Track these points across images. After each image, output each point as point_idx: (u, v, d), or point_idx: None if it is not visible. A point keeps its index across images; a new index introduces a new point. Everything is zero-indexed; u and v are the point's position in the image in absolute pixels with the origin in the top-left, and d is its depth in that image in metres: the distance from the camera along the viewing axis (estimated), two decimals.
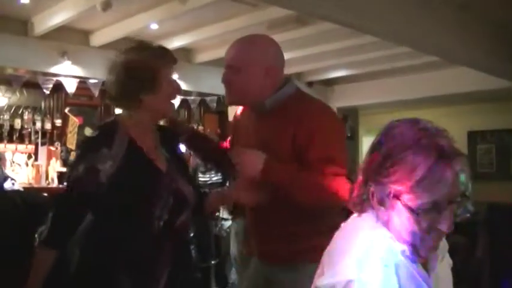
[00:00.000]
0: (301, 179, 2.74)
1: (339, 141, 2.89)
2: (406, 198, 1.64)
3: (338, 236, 1.81)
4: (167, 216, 2.70)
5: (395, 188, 1.66)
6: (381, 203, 1.71)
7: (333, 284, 1.63)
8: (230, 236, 6.91)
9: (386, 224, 1.71)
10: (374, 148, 1.75)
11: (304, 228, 2.84)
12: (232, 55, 2.97)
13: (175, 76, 2.86)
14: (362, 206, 1.77)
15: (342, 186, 2.65)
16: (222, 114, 11.33)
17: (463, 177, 1.68)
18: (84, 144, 2.90)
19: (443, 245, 1.86)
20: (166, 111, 2.86)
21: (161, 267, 2.73)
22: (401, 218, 1.67)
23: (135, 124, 2.76)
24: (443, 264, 1.87)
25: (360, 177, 1.78)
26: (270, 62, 2.91)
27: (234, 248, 6.28)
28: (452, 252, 1.96)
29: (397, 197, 1.66)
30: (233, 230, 6.38)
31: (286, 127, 2.81)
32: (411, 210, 1.64)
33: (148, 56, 2.75)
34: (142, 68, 2.70)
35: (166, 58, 2.79)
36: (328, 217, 2.72)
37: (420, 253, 1.71)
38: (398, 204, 1.66)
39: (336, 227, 1.87)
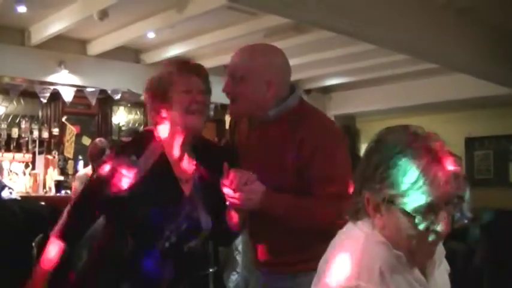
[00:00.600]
0: (299, 209, 2.70)
1: (341, 159, 2.78)
2: (401, 202, 1.64)
3: (334, 243, 1.81)
4: (175, 239, 2.68)
5: (389, 192, 1.66)
6: (377, 209, 1.71)
7: None
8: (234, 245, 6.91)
9: (382, 230, 1.71)
10: (367, 156, 1.75)
11: (304, 239, 2.78)
12: (235, 64, 2.90)
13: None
14: (358, 214, 1.76)
15: (340, 211, 2.53)
16: (220, 122, 11.30)
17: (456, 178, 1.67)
18: (116, 148, 2.92)
19: (441, 250, 1.85)
20: (184, 124, 2.74)
21: (161, 282, 2.73)
22: (397, 223, 1.67)
23: (167, 139, 2.76)
24: (441, 270, 1.87)
25: (354, 186, 1.78)
26: (273, 75, 2.82)
27: (244, 258, 6.27)
28: (450, 259, 1.95)
29: (392, 202, 1.66)
30: (242, 240, 6.36)
31: (289, 141, 2.75)
32: (407, 213, 1.64)
33: (165, 70, 2.79)
34: (155, 82, 2.75)
35: (182, 70, 2.77)
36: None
37: (417, 258, 1.71)
38: (394, 209, 1.66)
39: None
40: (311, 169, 2.70)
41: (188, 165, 2.79)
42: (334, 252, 1.77)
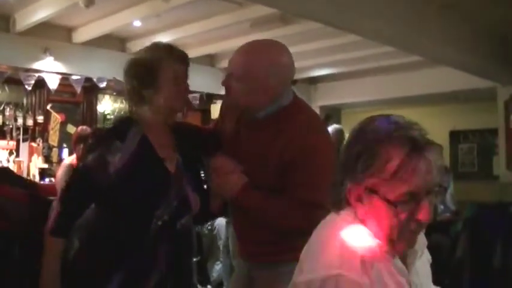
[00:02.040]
0: (269, 211, 2.74)
1: (323, 165, 2.70)
2: (383, 191, 1.65)
3: (316, 233, 1.82)
4: (167, 217, 2.72)
5: (371, 182, 1.67)
6: (359, 199, 1.72)
7: (311, 280, 1.63)
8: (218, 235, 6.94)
9: (364, 220, 1.72)
10: (348, 146, 1.76)
11: (286, 231, 2.80)
12: (235, 62, 2.84)
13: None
14: (340, 204, 1.77)
15: (310, 221, 2.21)
16: (205, 111, 11.31)
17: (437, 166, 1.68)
18: (97, 136, 2.92)
19: (422, 241, 1.86)
20: (169, 108, 2.82)
21: (154, 267, 2.73)
22: (379, 212, 1.68)
23: (147, 122, 2.78)
24: (423, 261, 1.88)
25: (336, 176, 1.78)
26: (269, 80, 2.75)
27: (233, 247, 6.30)
28: (434, 252, 1.96)
29: (374, 191, 1.67)
30: (230, 231, 6.39)
31: (275, 142, 2.75)
32: (389, 202, 1.65)
33: (151, 53, 2.81)
34: (140, 65, 2.77)
35: (170, 56, 2.79)
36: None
37: (397, 248, 1.71)
38: (376, 199, 1.67)
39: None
40: (291, 171, 2.70)
41: (170, 145, 2.83)
42: (316, 241, 1.77)
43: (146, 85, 2.74)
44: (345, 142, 1.82)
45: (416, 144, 1.65)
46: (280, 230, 2.77)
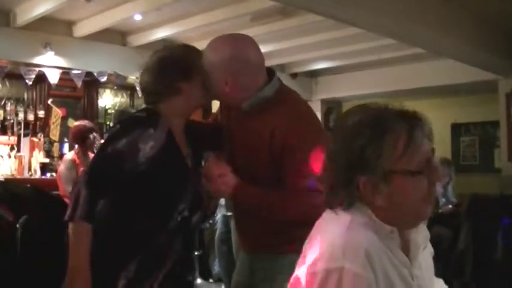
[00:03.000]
0: (270, 203, 2.76)
1: (317, 151, 2.61)
2: (402, 166, 1.68)
3: (319, 225, 1.81)
4: (187, 213, 2.75)
5: (387, 165, 1.68)
6: (375, 190, 1.70)
7: (313, 273, 1.63)
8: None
9: (387, 209, 1.71)
10: (345, 142, 1.74)
11: (286, 223, 2.81)
12: (204, 58, 2.86)
13: None
14: (352, 205, 1.75)
15: (309, 207, 2.40)
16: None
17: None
18: (129, 120, 2.86)
19: (425, 235, 1.87)
20: (204, 99, 2.86)
21: (165, 260, 2.76)
22: (405, 188, 1.71)
23: (172, 117, 2.78)
24: (425, 254, 1.88)
25: (338, 178, 1.76)
26: (232, 70, 2.76)
27: (234, 240, 6.31)
28: (436, 244, 1.96)
29: (393, 171, 1.68)
30: (233, 224, 6.40)
31: (263, 133, 2.76)
32: (412, 173, 1.69)
33: (181, 49, 2.91)
34: (179, 58, 2.80)
35: (199, 53, 2.83)
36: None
37: (426, 215, 1.77)
38: (397, 178, 1.69)
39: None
40: (283, 161, 2.71)
41: (185, 142, 2.85)
42: (319, 233, 1.77)
43: (185, 77, 2.75)
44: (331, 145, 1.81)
45: (408, 116, 1.73)
46: (281, 221, 2.78)
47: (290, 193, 2.70)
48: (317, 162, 2.47)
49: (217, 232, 7.28)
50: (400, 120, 1.71)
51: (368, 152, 1.68)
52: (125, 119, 2.90)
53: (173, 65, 2.77)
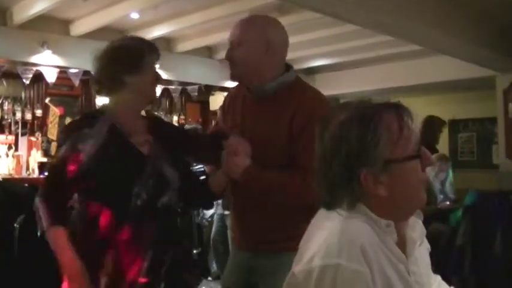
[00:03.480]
0: (278, 187, 2.81)
1: None
2: (399, 153, 1.71)
3: (315, 222, 1.81)
4: (146, 196, 2.77)
5: (385, 154, 1.69)
6: (377, 181, 1.71)
7: (309, 270, 1.63)
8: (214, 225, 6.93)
9: (389, 199, 1.72)
10: (340, 140, 1.74)
11: (287, 218, 2.86)
12: (233, 32, 3.01)
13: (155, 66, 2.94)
14: (356, 202, 1.74)
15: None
16: (204, 103, 11.33)
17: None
18: (67, 127, 3.00)
19: (421, 230, 1.88)
20: (150, 94, 2.96)
21: (143, 248, 2.78)
22: (405, 174, 1.73)
23: (120, 109, 2.85)
24: (422, 250, 1.89)
25: (340, 177, 1.75)
26: (271, 36, 2.92)
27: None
28: (433, 240, 1.97)
29: (392, 159, 1.70)
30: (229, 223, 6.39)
31: (285, 113, 2.84)
32: (410, 158, 1.73)
33: (133, 41, 2.93)
34: (126, 50, 2.85)
35: (151, 46, 2.90)
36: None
37: (422, 202, 1.81)
38: (396, 165, 1.71)
39: None
40: (299, 140, 2.77)
41: (143, 131, 2.92)
42: (315, 231, 1.77)
43: (130, 70, 2.80)
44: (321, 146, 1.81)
45: (393, 105, 1.77)
46: (303, 204, 2.73)
47: (301, 174, 2.72)
48: None
49: (213, 231, 7.27)
50: (388, 109, 1.74)
51: (365, 143, 1.69)
52: (65, 126, 3.03)
53: (120, 57, 2.82)
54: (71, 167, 2.71)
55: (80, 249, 2.72)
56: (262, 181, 2.84)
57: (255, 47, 2.88)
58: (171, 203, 2.92)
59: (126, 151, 2.82)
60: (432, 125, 8.53)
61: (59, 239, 2.72)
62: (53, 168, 2.92)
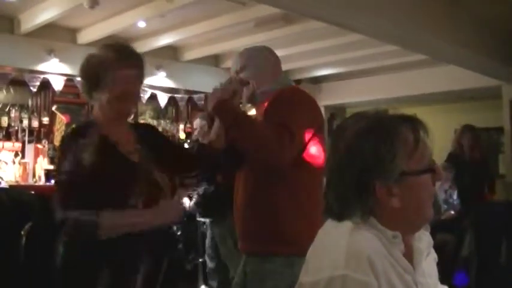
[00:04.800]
0: (244, 123, 2.98)
1: (302, 106, 3.15)
2: (413, 167, 1.72)
3: (323, 232, 1.81)
4: (142, 205, 2.77)
5: (400, 167, 1.70)
6: (389, 193, 1.71)
7: (317, 281, 1.63)
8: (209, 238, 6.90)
9: (401, 210, 1.72)
10: (352, 151, 1.74)
11: (279, 222, 2.98)
12: (235, 61, 3.41)
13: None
14: (370, 214, 1.75)
15: (278, 140, 2.86)
16: None
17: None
18: (62, 141, 2.96)
19: (428, 240, 1.88)
20: (118, 109, 2.87)
21: (140, 256, 2.79)
22: (418, 187, 1.74)
23: (101, 122, 2.87)
24: (429, 260, 1.89)
25: (354, 188, 1.75)
26: (267, 54, 3.49)
27: (222, 248, 6.29)
28: (440, 250, 1.97)
29: (408, 173, 1.71)
30: (218, 233, 6.37)
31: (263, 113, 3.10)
32: (425, 171, 1.74)
33: (100, 55, 2.86)
34: (88, 66, 2.84)
35: (118, 60, 2.82)
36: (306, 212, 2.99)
37: (429, 216, 1.80)
38: (410, 178, 1.72)
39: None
40: (267, 115, 3.05)
41: (130, 140, 2.93)
42: (322, 241, 1.77)
43: (94, 87, 2.81)
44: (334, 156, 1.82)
45: (409, 118, 1.77)
46: (252, 148, 3.01)
47: (267, 125, 2.96)
48: (300, 115, 3.02)
49: (206, 244, 7.18)
50: (403, 122, 1.74)
51: (381, 155, 1.69)
52: (61, 142, 3.00)
53: (84, 73, 2.86)
54: (76, 177, 2.69)
55: (77, 257, 2.71)
56: (231, 114, 3.01)
57: (260, 62, 3.42)
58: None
59: (116, 161, 2.81)
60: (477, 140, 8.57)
61: (117, 217, 2.69)
62: (62, 182, 2.79)
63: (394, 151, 1.69)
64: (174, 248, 2.97)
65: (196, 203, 6.37)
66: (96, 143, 2.73)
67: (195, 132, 6.91)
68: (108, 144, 2.80)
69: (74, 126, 2.98)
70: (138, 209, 2.74)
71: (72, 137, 2.86)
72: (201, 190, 6.22)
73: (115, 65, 2.79)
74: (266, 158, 2.97)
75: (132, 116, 3.19)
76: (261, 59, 3.39)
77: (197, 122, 6.78)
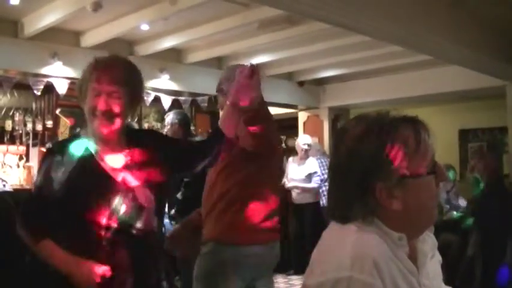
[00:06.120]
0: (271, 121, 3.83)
1: (267, 115, 3.91)
2: (415, 168, 1.70)
3: (328, 234, 1.81)
4: (116, 225, 2.72)
5: (404, 168, 1.69)
6: (390, 195, 1.70)
7: (321, 283, 1.62)
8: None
9: (403, 213, 1.71)
10: (352, 154, 1.74)
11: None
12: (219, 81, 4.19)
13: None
14: (372, 215, 1.74)
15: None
16: (214, 114, 11.32)
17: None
18: (43, 155, 2.99)
19: (433, 242, 1.88)
20: (94, 125, 2.81)
21: (117, 275, 2.73)
22: (420, 189, 1.72)
23: (91, 133, 2.84)
24: (434, 262, 1.88)
25: (355, 190, 1.74)
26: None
27: None
28: (444, 251, 1.97)
29: (407, 175, 1.70)
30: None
31: None
32: (427, 174, 1.72)
33: (84, 70, 2.91)
34: (80, 79, 2.91)
35: (91, 75, 2.83)
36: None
37: (434, 218, 1.80)
38: (412, 180, 1.70)
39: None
40: None
41: (117, 153, 2.86)
42: (327, 243, 1.77)
43: (80, 101, 2.87)
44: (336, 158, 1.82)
45: (411, 120, 1.76)
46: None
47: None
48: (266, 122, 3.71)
49: None
50: (405, 123, 1.74)
51: (382, 158, 1.68)
52: (44, 153, 3.04)
53: (77, 86, 2.90)
54: (46, 196, 2.72)
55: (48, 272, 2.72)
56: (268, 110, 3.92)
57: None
58: (149, 227, 2.88)
59: (96, 180, 2.77)
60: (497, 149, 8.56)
61: (51, 248, 2.69)
62: (31, 197, 2.86)
63: (395, 153, 1.68)
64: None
65: (177, 211, 6.20)
66: (75, 160, 2.73)
67: (165, 129, 6.83)
68: (89, 158, 2.78)
69: (56, 141, 2.99)
70: (69, 257, 2.66)
71: (50, 153, 2.88)
72: (179, 195, 6.12)
73: (90, 79, 2.81)
74: (270, 151, 3.73)
75: (135, 119, 3.19)
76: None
77: (170, 118, 6.72)
